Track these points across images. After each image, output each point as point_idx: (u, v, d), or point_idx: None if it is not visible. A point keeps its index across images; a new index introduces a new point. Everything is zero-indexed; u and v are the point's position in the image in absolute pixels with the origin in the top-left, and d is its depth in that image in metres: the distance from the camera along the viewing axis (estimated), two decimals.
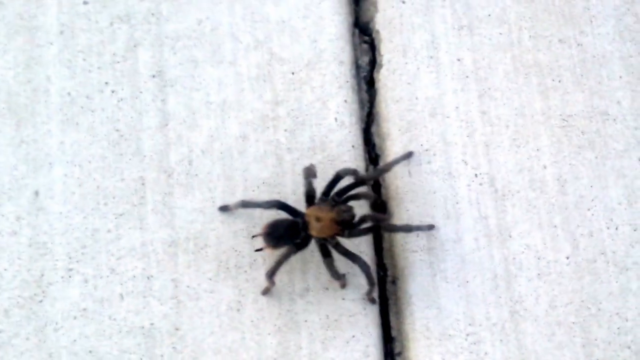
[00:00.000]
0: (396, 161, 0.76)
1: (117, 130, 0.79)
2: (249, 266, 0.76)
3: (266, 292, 0.74)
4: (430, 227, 0.74)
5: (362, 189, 0.73)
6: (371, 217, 0.72)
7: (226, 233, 0.76)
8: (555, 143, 0.79)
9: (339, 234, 0.71)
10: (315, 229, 0.70)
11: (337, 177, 0.73)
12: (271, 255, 0.73)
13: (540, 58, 0.81)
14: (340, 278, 0.71)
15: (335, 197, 0.72)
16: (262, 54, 0.82)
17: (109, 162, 0.78)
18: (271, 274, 0.71)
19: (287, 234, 0.71)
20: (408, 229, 0.73)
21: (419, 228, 0.73)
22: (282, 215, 0.74)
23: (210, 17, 0.82)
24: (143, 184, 0.78)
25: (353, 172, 0.73)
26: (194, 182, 0.78)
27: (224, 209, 0.76)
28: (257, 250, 0.72)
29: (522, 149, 0.78)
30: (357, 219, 0.71)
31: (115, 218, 0.77)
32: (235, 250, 0.77)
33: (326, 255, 0.70)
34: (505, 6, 0.83)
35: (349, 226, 0.71)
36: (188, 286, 0.75)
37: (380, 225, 0.72)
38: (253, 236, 0.72)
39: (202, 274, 0.75)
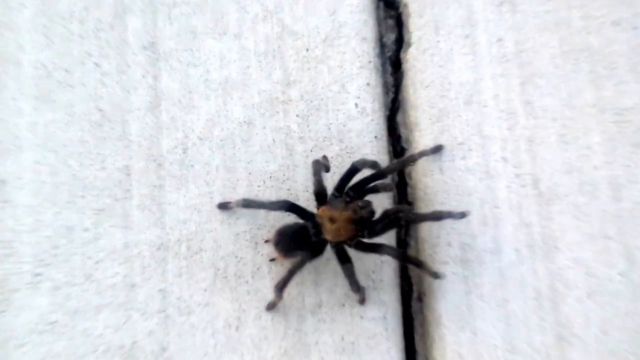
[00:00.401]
0: (424, 153, 0.69)
1: (100, 110, 0.72)
2: (252, 275, 0.70)
3: (272, 307, 0.67)
4: (463, 215, 0.65)
5: (381, 181, 0.66)
6: (393, 210, 0.65)
7: (225, 235, 0.70)
8: (608, 140, 0.72)
9: (357, 236, 0.64)
10: (329, 232, 0.64)
11: (353, 170, 0.66)
12: (282, 263, 0.67)
13: (591, 42, 0.74)
14: (359, 290, 0.65)
15: (350, 192, 0.66)
16: (272, 26, 0.75)
17: (88, 147, 0.71)
18: (281, 287, 0.64)
19: (299, 240, 0.64)
20: (437, 216, 0.65)
21: (450, 215, 0.65)
22: (292, 217, 0.68)
23: None
24: (128, 175, 0.71)
25: (372, 164, 0.66)
26: (188, 174, 0.71)
27: (224, 206, 0.69)
28: (272, 260, 0.67)
29: (571, 147, 0.72)
30: (377, 216, 0.65)
31: (94, 214, 0.70)
32: (236, 257, 0.70)
33: (344, 260, 0.64)
34: None
35: (368, 225, 0.64)
36: (178, 298, 0.68)
37: (406, 217, 0.65)
38: (266, 241, 0.66)
39: (195, 284, 0.69)
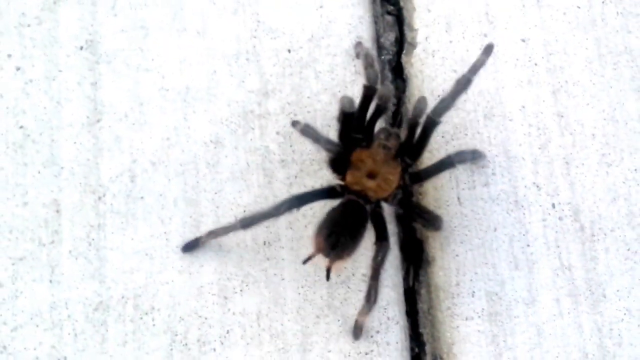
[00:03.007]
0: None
1: (22, 127, 0.67)
2: (220, 341, 0.63)
3: (359, 332, 0.62)
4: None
5: (377, 97, 0.61)
6: (413, 117, 0.60)
7: (185, 289, 0.64)
8: None
9: (405, 171, 0.61)
10: (374, 187, 0.60)
11: (369, 95, 0.61)
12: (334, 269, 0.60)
13: (632, 43, 0.71)
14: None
15: (358, 137, 0.62)
16: (245, 21, 0.71)
17: (5, 176, 0.66)
18: (374, 298, 0.59)
19: (356, 224, 0.59)
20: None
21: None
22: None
23: None
24: (57, 212, 0.65)
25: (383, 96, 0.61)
26: (137, 209, 0.66)
27: (190, 248, 0.63)
28: (328, 273, 0.59)
29: (615, 169, 0.69)
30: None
31: (12, 264, 0.64)
32: (199, 317, 0.63)
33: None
34: None
35: (406, 149, 0.61)
36: None
37: (433, 115, 0.60)
38: (307, 260, 0.59)
39: (145, 355, 0.62)
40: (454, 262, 0.65)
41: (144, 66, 0.68)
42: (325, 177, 0.66)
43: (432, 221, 0.61)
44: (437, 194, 0.67)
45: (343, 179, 0.61)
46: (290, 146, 0.67)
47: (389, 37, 0.73)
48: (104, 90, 0.68)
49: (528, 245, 0.66)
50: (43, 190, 0.65)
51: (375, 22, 0.72)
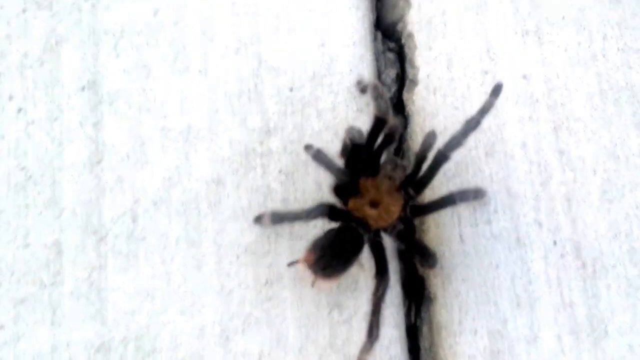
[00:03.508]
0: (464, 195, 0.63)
1: (23, 168, 0.66)
2: None
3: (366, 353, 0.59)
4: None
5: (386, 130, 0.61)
6: (421, 150, 0.61)
7: (187, 330, 0.62)
8: None
9: (407, 203, 0.62)
10: (375, 216, 0.60)
11: (378, 125, 0.61)
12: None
13: (633, 78, 0.70)
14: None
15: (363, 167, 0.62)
16: (247, 60, 0.70)
17: (7, 218, 0.65)
18: (376, 332, 0.58)
19: (351, 250, 0.59)
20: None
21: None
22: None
23: (172, 4, 0.70)
24: (59, 253, 0.64)
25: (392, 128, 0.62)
26: (139, 250, 0.64)
27: (257, 220, 0.64)
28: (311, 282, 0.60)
29: (617, 205, 0.68)
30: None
31: (13, 307, 0.63)
32: (202, 357, 0.62)
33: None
34: (583, 6, 0.72)
35: (412, 181, 0.62)
36: None
37: (443, 151, 0.61)
38: (291, 263, 0.61)
39: None
40: (456, 300, 0.64)
41: (146, 106, 0.68)
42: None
43: (427, 258, 0.60)
44: (439, 231, 0.66)
45: (345, 204, 0.61)
46: (293, 184, 0.66)
47: (390, 74, 0.72)
48: (106, 130, 0.67)
49: (530, 283, 0.65)
50: (45, 232, 0.64)
51: (377, 60, 0.72)
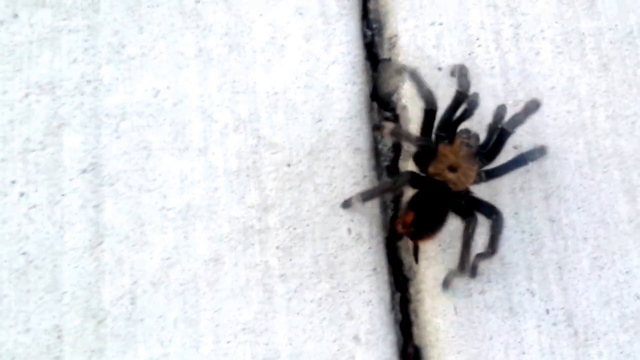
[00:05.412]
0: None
1: (24, 253, 0.64)
2: None
3: (347, 205, 0.65)
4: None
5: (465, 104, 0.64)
6: (494, 122, 0.64)
7: None
8: None
9: (480, 169, 0.64)
10: (453, 179, 0.62)
11: (459, 99, 0.64)
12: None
13: (622, 145, 0.70)
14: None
15: (440, 134, 0.64)
16: (246, 138, 0.68)
17: (8, 303, 0.62)
18: (464, 265, 0.62)
19: (442, 202, 0.61)
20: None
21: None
22: None
23: (172, 87, 0.69)
24: (59, 337, 0.62)
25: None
26: (137, 332, 0.62)
27: (345, 205, 0.66)
28: (416, 255, 0.63)
29: (607, 272, 0.67)
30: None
31: None
32: None
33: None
34: (572, 75, 0.72)
35: (484, 150, 0.64)
36: None
37: (512, 122, 0.63)
38: (398, 230, 0.62)
39: None
40: None
41: (146, 187, 0.66)
42: (324, 291, 0.63)
43: (493, 213, 0.62)
44: (434, 303, 0.64)
45: (424, 171, 0.63)
46: (290, 260, 0.64)
47: (386, 144, 0.71)
48: (106, 212, 0.65)
49: (523, 353, 0.63)
50: (45, 316, 0.62)
51: (373, 129, 0.71)
